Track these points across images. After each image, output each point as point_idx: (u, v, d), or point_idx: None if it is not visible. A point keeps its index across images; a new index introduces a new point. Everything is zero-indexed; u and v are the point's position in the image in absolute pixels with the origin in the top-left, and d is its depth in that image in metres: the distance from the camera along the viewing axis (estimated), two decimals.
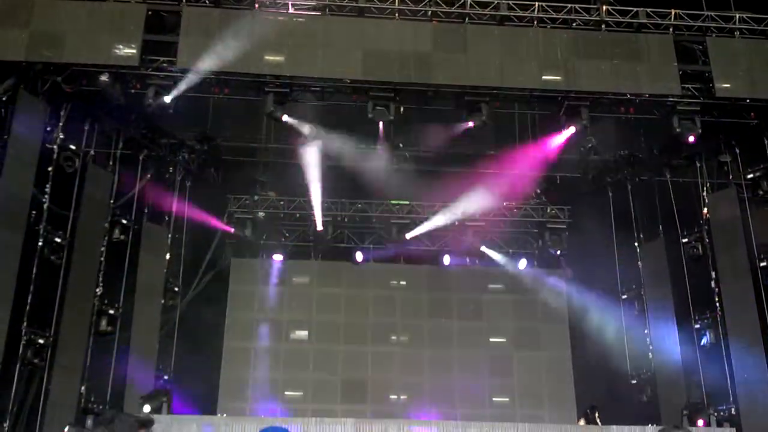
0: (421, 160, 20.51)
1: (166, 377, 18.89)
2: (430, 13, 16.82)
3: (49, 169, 16.37)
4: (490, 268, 22.67)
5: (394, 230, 21.23)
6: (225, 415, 19.26)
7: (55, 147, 16.53)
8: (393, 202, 21.28)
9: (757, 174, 17.91)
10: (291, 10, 16.56)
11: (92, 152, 17.56)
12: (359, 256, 21.96)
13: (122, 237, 18.23)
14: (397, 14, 16.74)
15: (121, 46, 15.79)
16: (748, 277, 17.53)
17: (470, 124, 16.90)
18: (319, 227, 20.91)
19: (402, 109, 17.01)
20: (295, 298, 21.98)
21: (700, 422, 16.34)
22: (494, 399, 21.58)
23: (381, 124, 17.14)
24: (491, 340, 22.17)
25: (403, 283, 22.64)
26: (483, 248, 22.13)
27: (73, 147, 16.98)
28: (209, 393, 19.88)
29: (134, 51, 15.78)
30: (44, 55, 15.58)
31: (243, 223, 21.20)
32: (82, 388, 16.83)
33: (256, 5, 16.45)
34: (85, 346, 17.01)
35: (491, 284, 22.75)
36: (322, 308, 21.86)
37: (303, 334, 21.82)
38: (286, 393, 21.10)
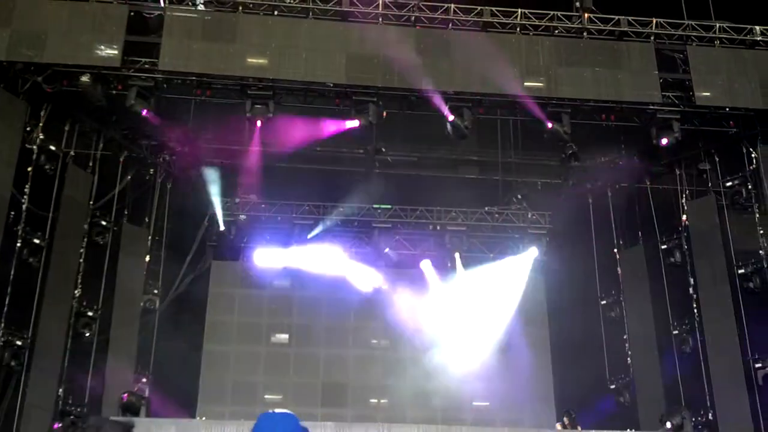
0: (403, 164, 20.54)
1: (144, 380, 18.74)
2: (413, 18, 16.87)
3: (29, 169, 16.24)
4: (470, 272, 22.68)
5: (375, 234, 21.23)
6: (204, 418, 19.16)
7: (34, 147, 16.39)
8: (375, 206, 21.27)
9: (736, 182, 18.13)
10: (274, 13, 16.53)
11: (72, 153, 17.43)
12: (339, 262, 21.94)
13: (102, 239, 18.09)
14: (380, 19, 16.76)
15: (102, 47, 15.71)
16: (726, 283, 17.75)
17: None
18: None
19: (385, 114, 17.02)
20: (275, 301, 21.87)
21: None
22: (474, 403, 21.57)
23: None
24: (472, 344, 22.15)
25: (384, 286, 22.59)
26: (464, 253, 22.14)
27: (53, 147, 16.85)
28: (188, 396, 19.72)
29: (116, 52, 15.71)
30: (25, 54, 15.47)
31: (224, 225, 21.06)
32: (60, 390, 16.67)
33: (240, 8, 16.39)
34: (63, 348, 16.87)
35: (472, 288, 22.73)
36: (303, 311, 21.77)
37: (283, 337, 21.71)
38: (266, 396, 20.98)
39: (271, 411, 3.64)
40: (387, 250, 21.20)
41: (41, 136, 16.54)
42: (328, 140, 19.90)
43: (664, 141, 17.08)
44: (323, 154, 20.58)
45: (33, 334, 15.94)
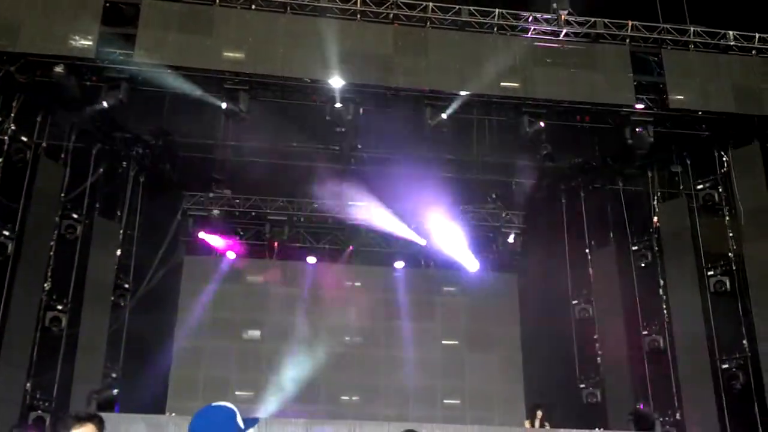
0: (378, 161, 20.54)
1: (114, 375, 18.56)
2: (392, 15, 16.85)
3: None
4: (443, 270, 22.80)
5: (349, 231, 21.23)
6: (174, 414, 19.04)
7: (5, 138, 16.12)
8: (350, 203, 21.26)
9: (707, 185, 18.35)
10: (252, 7, 16.43)
11: (44, 144, 17.15)
12: (311, 260, 21.91)
13: (72, 232, 17.86)
14: (359, 15, 16.74)
15: (77, 38, 15.46)
16: (696, 285, 17.98)
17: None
18: None
19: (361, 111, 17.01)
20: (248, 297, 21.79)
21: None
22: (445, 401, 21.68)
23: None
24: (444, 342, 22.28)
25: (357, 284, 22.62)
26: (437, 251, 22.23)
27: (24, 139, 16.55)
28: (159, 392, 19.59)
29: (91, 43, 15.46)
30: None
31: (197, 220, 20.94)
32: (28, 384, 16.44)
33: (217, 0, 16.27)
34: (31, 342, 16.62)
35: (445, 287, 22.86)
36: (276, 308, 21.72)
37: (256, 333, 21.65)
38: (237, 393, 20.91)
39: (209, 405, 3.68)
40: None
41: (12, 127, 16.26)
42: (304, 136, 19.92)
43: (638, 129, 17.12)
44: (298, 149, 20.52)
45: (1, 328, 15.69)
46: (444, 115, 16.81)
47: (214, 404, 3.71)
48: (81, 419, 3.70)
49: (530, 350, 21.53)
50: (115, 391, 16.79)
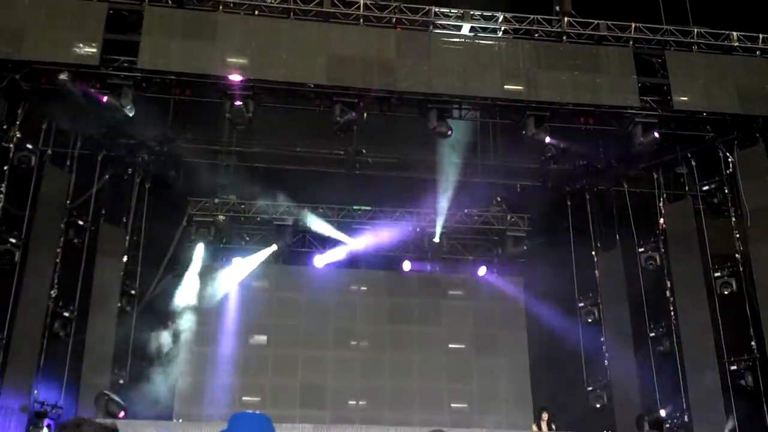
0: (383, 166, 20.55)
1: (121, 381, 18.59)
2: (394, 19, 16.88)
3: (5, 168, 16.06)
4: (449, 274, 22.76)
5: (355, 235, 21.22)
6: (181, 420, 19.07)
7: (11, 146, 16.20)
8: (355, 207, 21.25)
9: (713, 186, 18.35)
10: (255, 13, 16.48)
11: (49, 151, 17.21)
12: (319, 262, 21.88)
13: (79, 238, 17.92)
14: (361, 20, 16.77)
15: (81, 45, 15.57)
16: (702, 287, 17.94)
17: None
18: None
19: (366, 115, 17.04)
20: (254, 302, 21.76)
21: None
22: (453, 405, 21.62)
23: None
24: (450, 345, 22.21)
25: (363, 288, 22.58)
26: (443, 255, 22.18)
27: (29, 146, 16.62)
28: (165, 398, 19.58)
29: (95, 50, 15.57)
30: (2, 51, 15.29)
31: (203, 226, 20.92)
32: (36, 391, 16.48)
33: (220, 7, 16.33)
34: (38, 348, 16.66)
35: (451, 290, 22.81)
36: (282, 312, 21.69)
37: (262, 338, 21.63)
38: (244, 398, 20.89)
39: (245, 411, 3.70)
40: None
41: (18, 135, 16.34)
42: (309, 141, 19.95)
43: (640, 144, 17.09)
44: (303, 154, 20.55)
45: (8, 335, 15.73)
46: (450, 132, 16.85)
47: (250, 412, 3.76)
48: (110, 430, 3.68)
49: (537, 353, 21.46)
50: (121, 414, 16.77)
